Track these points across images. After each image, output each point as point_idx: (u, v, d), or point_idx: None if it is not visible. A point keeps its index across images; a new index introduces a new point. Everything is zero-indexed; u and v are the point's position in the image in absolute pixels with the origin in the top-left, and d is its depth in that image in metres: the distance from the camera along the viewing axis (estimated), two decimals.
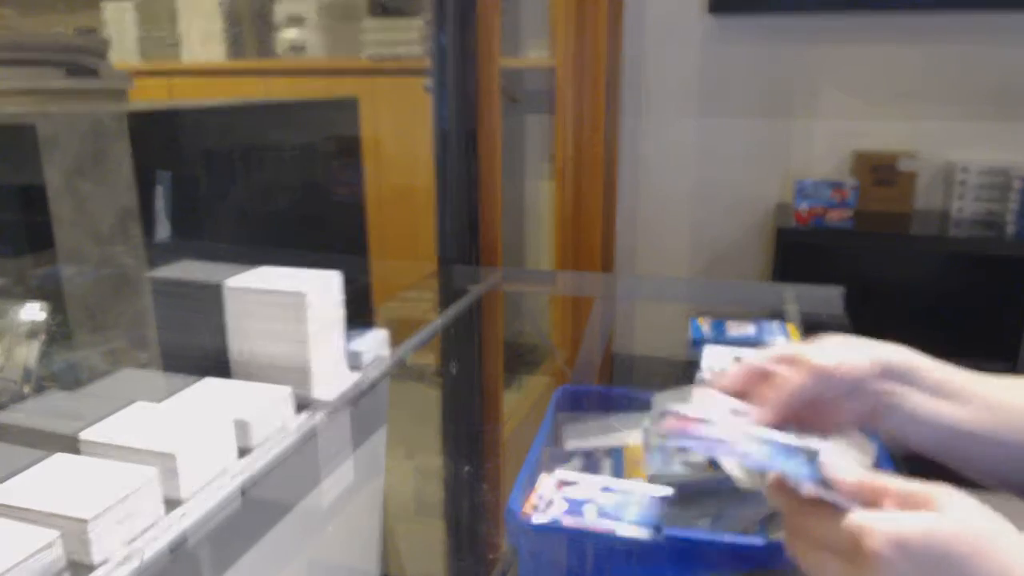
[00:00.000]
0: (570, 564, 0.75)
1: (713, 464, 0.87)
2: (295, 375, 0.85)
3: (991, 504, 0.45)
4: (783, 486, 0.49)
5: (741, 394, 0.59)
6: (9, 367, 0.76)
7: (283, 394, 0.80)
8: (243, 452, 0.74)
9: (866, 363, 0.57)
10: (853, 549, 0.43)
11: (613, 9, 2.32)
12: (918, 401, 0.57)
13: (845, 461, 0.48)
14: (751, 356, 0.60)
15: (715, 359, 0.84)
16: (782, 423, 0.55)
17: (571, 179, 2.35)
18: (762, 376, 0.58)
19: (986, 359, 2.06)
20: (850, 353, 0.57)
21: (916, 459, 0.61)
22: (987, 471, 0.59)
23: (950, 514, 0.43)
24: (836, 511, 0.45)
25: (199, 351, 0.86)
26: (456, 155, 1.58)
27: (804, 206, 2.19)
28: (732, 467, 0.82)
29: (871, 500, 0.45)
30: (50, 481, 0.61)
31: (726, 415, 0.54)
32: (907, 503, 0.44)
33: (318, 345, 0.85)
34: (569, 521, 0.73)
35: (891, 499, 0.45)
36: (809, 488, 0.46)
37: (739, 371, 0.59)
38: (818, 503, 0.47)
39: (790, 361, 0.58)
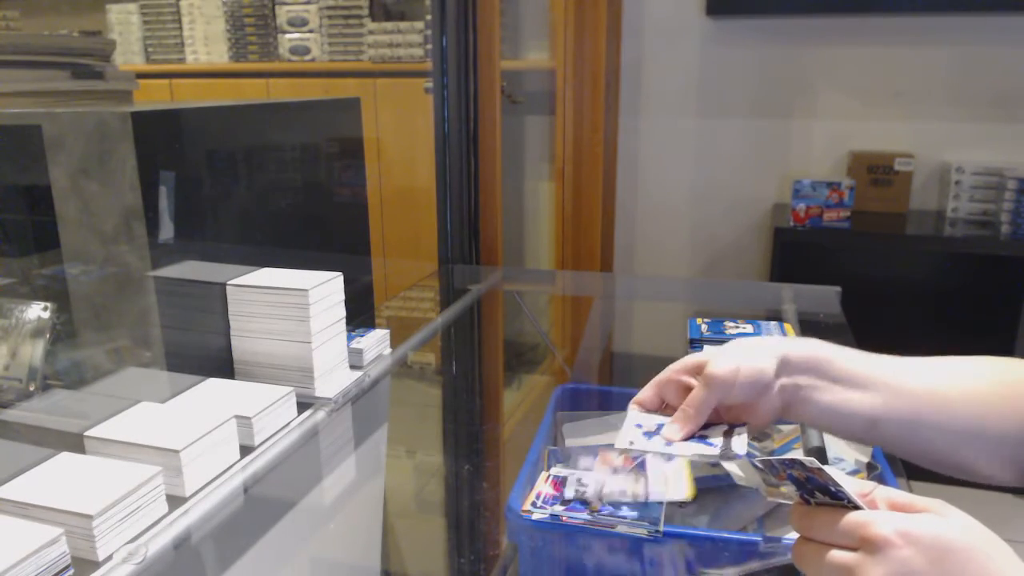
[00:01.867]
0: (570, 561, 0.76)
1: (712, 462, 0.88)
2: (297, 374, 0.86)
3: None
4: (798, 507, 0.50)
5: (662, 407, 0.63)
6: (15, 366, 0.77)
7: (285, 393, 0.81)
8: (245, 450, 0.75)
9: (767, 364, 0.58)
10: (860, 539, 0.44)
11: (612, 12, 2.33)
12: (828, 393, 0.59)
13: (847, 478, 0.48)
14: (668, 370, 0.63)
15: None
16: (698, 429, 0.59)
17: (571, 179, 2.36)
18: (675, 386, 0.62)
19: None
20: (749, 357, 0.59)
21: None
22: (918, 454, 0.60)
23: (953, 519, 0.44)
24: (840, 510, 0.46)
25: (202, 349, 0.87)
26: (457, 156, 1.59)
27: (801, 206, 2.20)
28: (731, 465, 0.83)
29: (875, 507, 0.47)
30: (55, 478, 0.61)
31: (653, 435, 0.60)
32: (907, 511, 0.45)
33: (320, 344, 0.86)
34: (569, 518, 0.74)
35: (893, 507, 0.46)
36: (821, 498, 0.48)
37: (650, 389, 0.63)
38: (822, 507, 0.47)
39: (694, 371, 0.61)
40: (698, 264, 2.62)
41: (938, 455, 0.59)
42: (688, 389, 0.61)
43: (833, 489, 0.47)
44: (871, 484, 0.48)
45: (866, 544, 0.43)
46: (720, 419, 0.62)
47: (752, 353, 0.59)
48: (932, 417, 0.58)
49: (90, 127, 0.83)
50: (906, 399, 0.59)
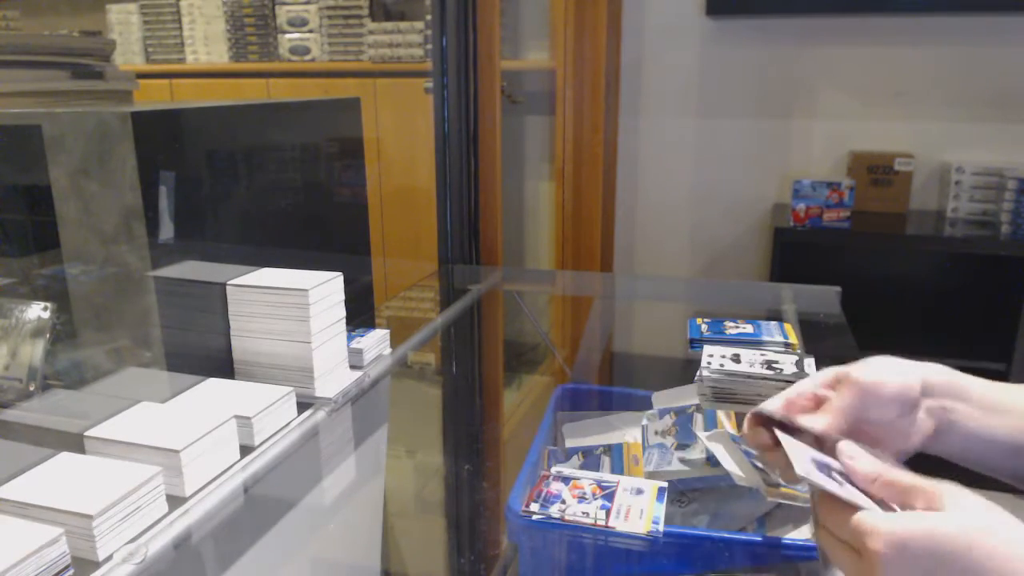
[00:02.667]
0: (570, 561, 0.76)
1: (711, 462, 0.88)
2: (297, 374, 0.86)
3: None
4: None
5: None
6: (15, 366, 0.77)
7: (285, 393, 0.81)
8: (245, 450, 0.75)
9: (912, 381, 0.56)
10: (858, 547, 0.45)
11: (612, 12, 2.33)
12: (971, 417, 0.57)
13: (862, 453, 0.49)
14: (800, 383, 0.59)
15: (714, 358, 0.84)
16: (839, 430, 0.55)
17: (571, 179, 2.36)
18: (811, 401, 0.58)
19: (981, 358, 2.06)
20: (894, 371, 0.57)
21: (923, 458, 0.62)
22: None
23: (952, 512, 0.44)
24: (848, 507, 0.47)
25: (202, 349, 0.87)
26: (457, 156, 1.59)
27: (801, 206, 2.20)
28: (731, 465, 0.83)
29: (881, 492, 0.47)
30: (56, 478, 0.61)
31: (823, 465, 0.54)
32: (913, 497, 0.46)
33: (320, 344, 0.86)
34: (569, 518, 0.74)
35: (899, 493, 0.47)
36: (819, 481, 0.48)
37: (788, 396, 0.59)
38: (836, 498, 0.48)
39: (835, 383, 0.58)
40: (698, 264, 2.62)
41: None
42: (822, 403, 0.57)
43: (832, 489, 0.47)
44: (881, 467, 0.49)
45: (865, 555, 0.44)
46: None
47: (896, 368, 0.57)
48: None
49: (90, 127, 0.83)
50: None
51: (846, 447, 0.50)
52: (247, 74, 2.63)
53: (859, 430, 0.56)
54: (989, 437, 0.57)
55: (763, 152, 2.47)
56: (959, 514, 0.44)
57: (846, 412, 0.55)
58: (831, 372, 0.59)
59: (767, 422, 0.56)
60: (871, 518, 0.45)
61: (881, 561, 0.43)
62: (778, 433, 0.54)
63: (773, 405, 0.58)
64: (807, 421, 0.56)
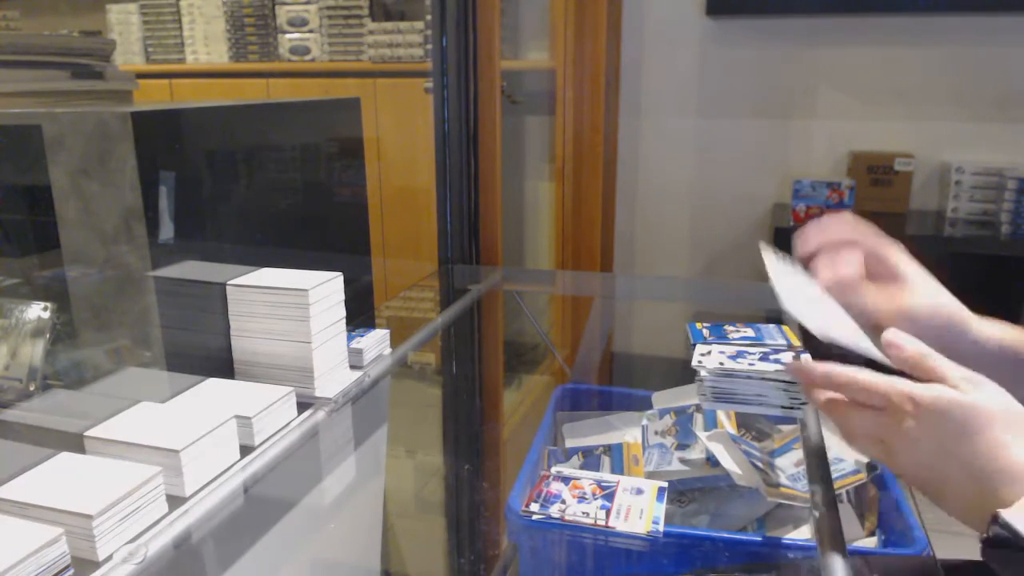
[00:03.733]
0: (570, 560, 0.76)
1: (711, 462, 0.88)
2: (297, 374, 0.86)
3: None
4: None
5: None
6: (15, 366, 0.77)
7: (285, 393, 0.81)
8: (245, 450, 0.75)
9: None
10: (891, 403, 0.53)
11: (612, 11, 2.33)
12: (974, 322, 0.68)
13: (907, 336, 0.56)
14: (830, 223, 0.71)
15: (709, 356, 0.84)
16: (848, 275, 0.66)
17: (571, 179, 2.36)
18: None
19: None
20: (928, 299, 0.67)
21: None
22: None
23: (983, 392, 0.52)
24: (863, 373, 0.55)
25: (202, 349, 0.87)
26: (457, 156, 1.59)
27: (801, 206, 2.20)
28: (731, 465, 0.83)
29: (920, 371, 0.55)
30: (55, 478, 0.61)
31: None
32: (944, 379, 0.53)
33: (320, 344, 0.86)
34: (569, 518, 0.74)
35: (934, 373, 0.54)
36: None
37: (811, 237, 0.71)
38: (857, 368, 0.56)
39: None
40: (698, 264, 2.62)
41: None
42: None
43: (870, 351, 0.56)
44: (924, 348, 0.56)
45: (896, 411, 0.53)
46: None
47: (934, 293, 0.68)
48: None
49: (90, 127, 0.83)
50: None
51: (891, 335, 0.57)
52: (247, 74, 2.63)
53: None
54: (987, 338, 0.67)
55: (763, 152, 2.47)
56: (990, 395, 0.52)
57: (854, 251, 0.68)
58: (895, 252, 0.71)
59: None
60: (910, 383, 0.53)
61: (919, 415, 0.51)
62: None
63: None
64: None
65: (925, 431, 0.52)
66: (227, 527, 0.68)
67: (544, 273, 2.36)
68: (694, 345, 0.95)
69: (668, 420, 0.95)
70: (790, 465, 0.92)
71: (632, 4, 2.47)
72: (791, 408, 0.73)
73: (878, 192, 2.30)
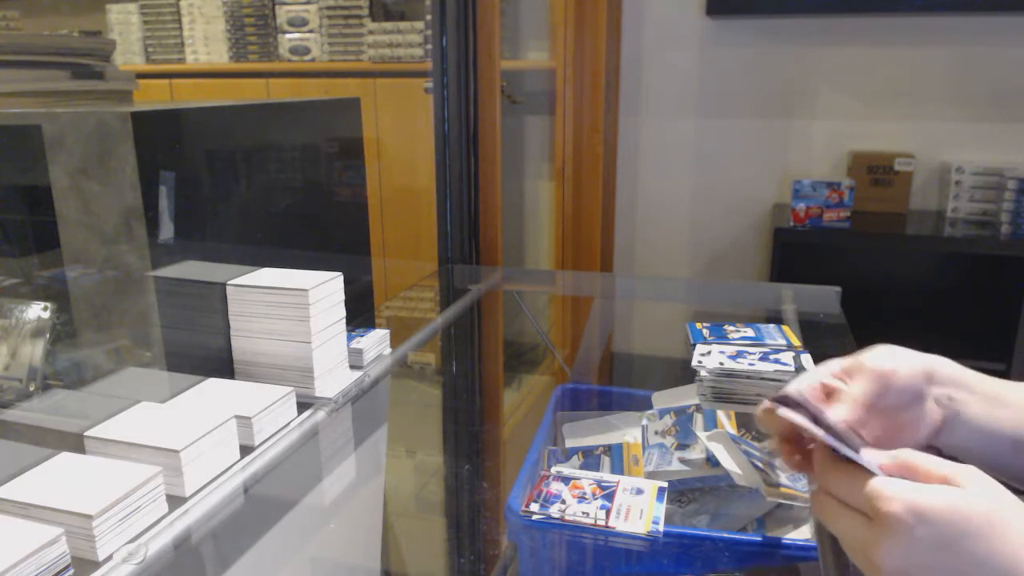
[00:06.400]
0: (570, 561, 0.76)
1: (711, 462, 0.88)
2: (297, 374, 0.86)
3: None
4: (822, 446, 0.49)
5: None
6: (15, 366, 0.77)
7: (285, 393, 0.81)
8: (245, 450, 0.75)
9: (918, 370, 0.55)
10: (872, 511, 0.44)
11: (612, 11, 2.33)
12: (977, 407, 0.56)
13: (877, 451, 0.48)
14: (811, 373, 0.58)
15: (709, 356, 0.84)
16: (853, 432, 0.53)
17: (571, 179, 2.36)
18: (824, 392, 0.57)
19: (981, 358, 2.06)
20: (903, 358, 0.56)
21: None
22: None
23: (971, 491, 0.43)
24: (863, 474, 0.46)
25: (202, 349, 0.87)
26: (457, 156, 1.59)
27: (801, 206, 2.20)
28: (731, 465, 0.83)
29: (898, 471, 0.46)
30: (55, 478, 0.61)
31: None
32: (930, 478, 0.45)
33: (320, 344, 0.86)
34: (569, 518, 0.74)
35: (917, 473, 0.46)
36: (835, 444, 0.47)
37: (798, 387, 0.57)
38: (848, 465, 0.47)
39: (848, 372, 0.57)
40: (698, 264, 2.62)
41: None
42: (835, 394, 0.56)
43: (851, 455, 0.46)
44: (899, 451, 0.48)
45: (879, 518, 0.43)
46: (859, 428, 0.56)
47: (905, 355, 0.56)
48: None
49: (90, 127, 0.83)
50: None
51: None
52: (247, 74, 2.63)
53: (872, 421, 0.55)
54: (993, 429, 0.56)
55: (763, 152, 2.47)
56: (978, 492, 0.43)
57: (863, 399, 0.54)
58: (838, 363, 0.58)
59: (791, 403, 0.55)
60: (893, 484, 0.44)
61: (897, 527, 0.42)
62: (788, 412, 0.52)
63: (795, 389, 0.55)
64: (828, 413, 0.53)
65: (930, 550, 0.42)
66: (227, 527, 0.68)
67: (544, 273, 2.36)
68: (694, 345, 0.95)
69: (668, 420, 0.95)
70: None
71: (632, 4, 2.47)
72: None
73: (878, 192, 2.30)
